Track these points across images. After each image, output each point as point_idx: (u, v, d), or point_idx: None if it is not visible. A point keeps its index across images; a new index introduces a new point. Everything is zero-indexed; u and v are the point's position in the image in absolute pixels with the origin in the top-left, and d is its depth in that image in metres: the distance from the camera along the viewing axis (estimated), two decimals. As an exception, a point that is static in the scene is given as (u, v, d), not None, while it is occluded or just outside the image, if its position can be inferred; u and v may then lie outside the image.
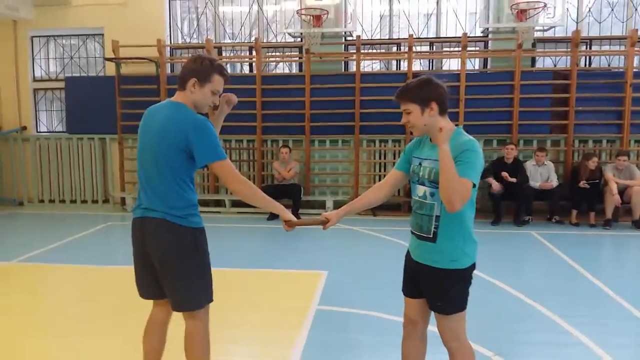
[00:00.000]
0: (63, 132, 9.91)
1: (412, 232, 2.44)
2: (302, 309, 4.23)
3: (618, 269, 5.83)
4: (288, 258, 6.03)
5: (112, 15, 9.39)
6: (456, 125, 2.37)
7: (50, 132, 10.11)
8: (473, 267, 2.36)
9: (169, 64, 9.61)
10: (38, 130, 10.06)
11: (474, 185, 2.19)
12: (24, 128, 9.82)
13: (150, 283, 2.60)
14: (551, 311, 4.14)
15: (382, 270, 5.30)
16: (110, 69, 9.43)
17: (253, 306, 4.41)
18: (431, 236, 2.31)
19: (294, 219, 2.63)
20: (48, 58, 10.05)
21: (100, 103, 9.37)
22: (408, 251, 2.53)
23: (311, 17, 8.26)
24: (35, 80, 9.97)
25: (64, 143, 9.69)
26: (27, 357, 3.44)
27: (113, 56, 9.10)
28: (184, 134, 2.38)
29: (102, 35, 9.61)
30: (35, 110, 10.03)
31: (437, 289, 2.34)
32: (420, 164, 2.39)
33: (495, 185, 7.69)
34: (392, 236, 6.89)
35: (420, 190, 2.37)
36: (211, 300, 2.59)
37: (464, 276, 2.33)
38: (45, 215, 8.98)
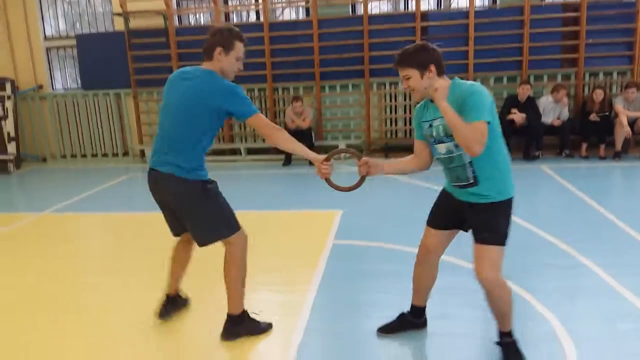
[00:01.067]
0: (78, 88, 10.12)
1: (453, 185, 2.59)
2: (319, 244, 4.52)
3: (625, 199, 6.00)
4: (303, 200, 6.32)
5: (118, -31, 9.37)
6: (451, 78, 2.50)
7: (65, 89, 10.33)
8: (512, 199, 2.49)
9: (177, 16, 9.63)
10: (54, 88, 10.28)
11: (489, 122, 2.29)
12: (40, 87, 10.04)
13: (174, 222, 2.96)
14: (559, 239, 4.36)
15: (395, 208, 5.56)
16: (119, 24, 9.50)
17: (273, 242, 4.71)
18: (472, 181, 2.45)
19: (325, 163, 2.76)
20: (57, 16, 10.12)
21: (112, 58, 9.51)
22: (445, 190, 2.72)
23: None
24: (46, 39, 10.10)
25: (80, 99, 9.91)
26: (75, 294, 3.81)
27: (121, 11, 9.15)
28: (219, 97, 2.67)
29: (109, -10, 9.63)
30: (50, 69, 10.22)
31: (484, 221, 2.46)
32: (430, 125, 2.53)
33: (519, 118, 7.73)
34: (405, 177, 7.10)
35: (442, 147, 2.50)
36: (237, 229, 2.87)
37: (507, 207, 2.47)
38: (68, 169, 9.34)
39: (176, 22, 9.57)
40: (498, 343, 2.65)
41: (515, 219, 4.80)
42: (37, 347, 3.04)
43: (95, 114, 9.92)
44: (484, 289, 2.49)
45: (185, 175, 2.73)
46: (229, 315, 2.93)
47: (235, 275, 2.88)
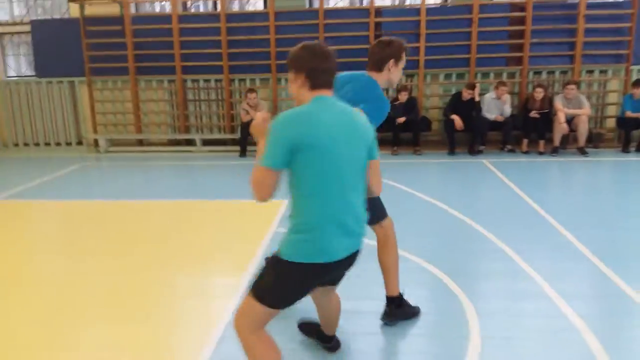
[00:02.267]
0: (32, 76, 9.98)
1: None
2: (262, 230, 4.71)
3: (553, 192, 6.35)
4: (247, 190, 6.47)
5: (72, -45, 9.27)
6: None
7: (19, 76, 10.17)
8: (297, 266, 1.96)
9: (134, 4, 9.60)
10: (7, 76, 10.12)
11: (279, 169, 1.90)
12: (-7, 73, 9.88)
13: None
14: (485, 228, 4.66)
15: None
16: (75, 11, 9.41)
17: (220, 228, 4.90)
18: None
19: None
20: (11, 1, 9.95)
21: (67, 46, 9.43)
22: None
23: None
24: (0, 24, 9.92)
25: (34, 87, 9.79)
26: (26, 276, 3.90)
27: (76, -3, 9.08)
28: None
29: (64, -25, 9.53)
30: (2, 55, 10.05)
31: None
32: None
33: (458, 123, 8.07)
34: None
35: None
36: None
37: (277, 265, 2.01)
38: (22, 158, 9.24)
39: (133, 10, 9.54)
40: None
41: (448, 209, 5.15)
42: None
43: (49, 102, 9.83)
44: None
45: None
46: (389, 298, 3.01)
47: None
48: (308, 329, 2.85)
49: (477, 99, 8.17)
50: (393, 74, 2.82)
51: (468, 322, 3.02)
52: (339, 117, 1.98)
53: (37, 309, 3.35)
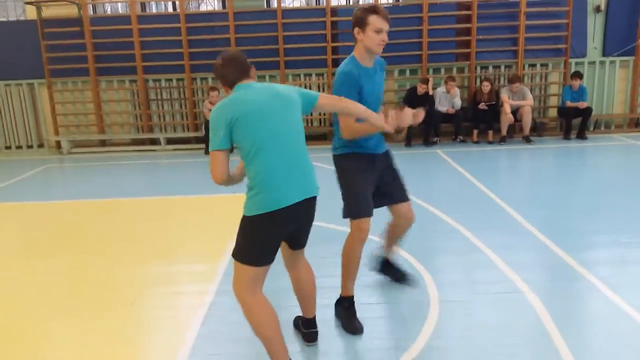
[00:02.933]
0: (-12, 78, 9.85)
1: None
2: (233, 222, 4.98)
3: (500, 176, 6.93)
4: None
5: (26, -44, 9.21)
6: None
7: (-26, 79, 10.00)
8: (256, 218, 2.30)
9: (91, 5, 9.61)
10: (-38, 78, 9.93)
11: (224, 148, 2.27)
12: (-53, 76, 9.67)
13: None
14: (441, 211, 5.11)
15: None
16: (32, 13, 9.34)
17: (189, 222, 5.14)
18: None
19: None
20: (-39, 2, 9.77)
21: (25, 48, 9.36)
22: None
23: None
24: (-49, 26, 9.73)
25: (-9, 90, 9.67)
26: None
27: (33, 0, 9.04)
28: None
29: (18, -24, 9.44)
30: (-43, 58, 9.85)
31: None
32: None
33: (418, 114, 8.52)
34: (315, 161, 7.69)
35: None
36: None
37: (243, 225, 2.40)
38: (-21, 162, 9.13)
39: (90, 11, 9.56)
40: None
41: (416, 200, 5.54)
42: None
43: (8, 104, 9.72)
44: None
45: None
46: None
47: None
48: (296, 321, 3.00)
49: (430, 92, 8.66)
50: (365, 40, 2.83)
51: (428, 292, 3.42)
52: (261, 92, 2.36)
53: None
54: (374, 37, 2.82)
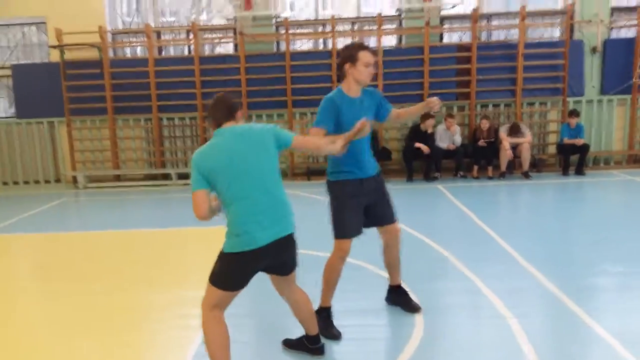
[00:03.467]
0: (12, 117, 10.41)
1: None
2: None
3: (496, 211, 7.14)
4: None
5: (53, 3, 9.85)
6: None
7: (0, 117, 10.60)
8: (231, 255, 2.63)
9: (112, 49, 10.22)
10: (-13, 117, 10.53)
11: (201, 189, 2.61)
12: (-27, 115, 10.27)
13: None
14: (440, 246, 5.34)
15: (312, 221, 6.37)
16: (55, 56, 9.96)
17: (199, 250, 5.44)
18: None
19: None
20: (-8, 46, 10.46)
21: (47, 88, 9.94)
22: None
23: (242, 1, 9.13)
24: (-19, 68, 10.39)
25: (14, 127, 10.22)
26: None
27: (57, 43, 9.65)
28: None
29: (45, 23, 10.10)
30: (-17, 97, 10.49)
31: None
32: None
33: (425, 149, 8.83)
34: (319, 195, 7.99)
35: None
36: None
37: (221, 257, 2.71)
38: (1, 196, 9.57)
39: (111, 54, 10.15)
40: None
41: (412, 231, 5.77)
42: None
43: (29, 141, 10.25)
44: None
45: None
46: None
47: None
48: (292, 342, 3.19)
49: (430, 130, 8.99)
50: (355, 73, 3.18)
51: (414, 315, 3.64)
52: (232, 138, 2.63)
53: (16, 334, 3.81)
54: (363, 70, 3.18)
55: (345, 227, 3.28)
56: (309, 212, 7.11)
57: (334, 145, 2.90)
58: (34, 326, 3.75)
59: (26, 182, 10.33)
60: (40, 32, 10.41)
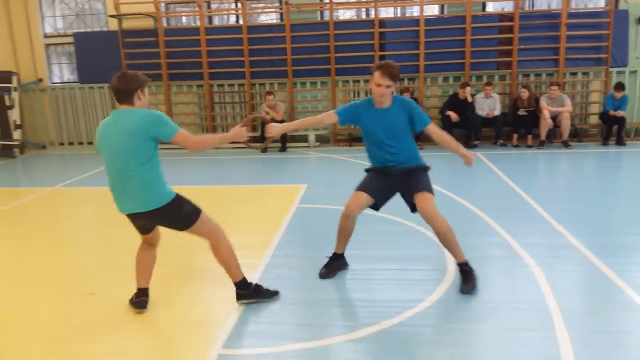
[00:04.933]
0: (75, 82, 11.19)
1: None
2: (287, 205, 5.82)
3: (534, 178, 7.40)
4: (275, 177, 7.61)
5: (111, -26, 10.46)
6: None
7: (63, 82, 11.40)
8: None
9: (165, 18, 10.78)
10: (52, 82, 11.34)
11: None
12: (40, 80, 11.09)
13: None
14: (479, 209, 5.71)
15: (351, 182, 6.84)
16: (113, 24, 10.59)
17: (250, 205, 6.00)
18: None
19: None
20: (55, 16, 11.18)
21: (106, 55, 10.61)
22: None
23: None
24: (46, 36, 11.15)
25: (77, 92, 11.00)
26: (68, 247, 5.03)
27: (115, 12, 10.26)
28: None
29: (103, -7, 10.74)
30: (48, 64, 11.27)
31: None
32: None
33: (454, 116, 9.14)
34: (362, 160, 8.43)
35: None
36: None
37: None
38: (67, 155, 10.44)
39: (165, 24, 10.71)
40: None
41: (450, 194, 6.17)
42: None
43: (91, 105, 11.03)
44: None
45: None
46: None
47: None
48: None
49: (469, 99, 9.22)
50: (371, 88, 3.58)
51: (447, 264, 4.08)
52: (112, 122, 3.09)
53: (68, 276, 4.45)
54: (374, 89, 3.52)
55: (360, 185, 3.81)
56: (350, 174, 7.59)
57: (225, 139, 3.38)
58: (103, 265, 4.39)
59: (90, 143, 11.15)
60: (98, 2, 11.03)
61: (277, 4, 10.55)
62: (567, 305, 3.29)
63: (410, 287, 3.69)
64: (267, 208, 5.92)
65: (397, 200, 3.85)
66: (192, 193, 5.47)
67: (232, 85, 10.62)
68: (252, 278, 3.87)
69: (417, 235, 4.73)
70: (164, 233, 3.52)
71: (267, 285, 3.59)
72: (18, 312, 3.51)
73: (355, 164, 8.22)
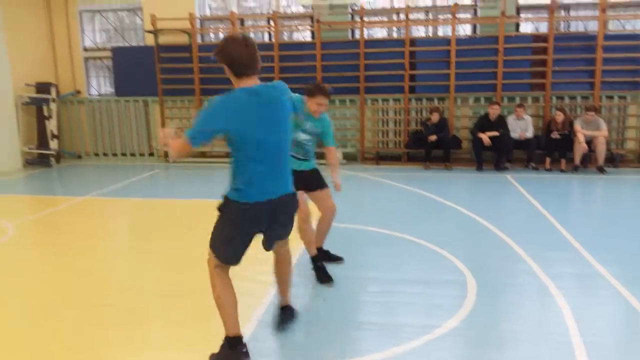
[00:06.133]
0: (111, 95, 11.53)
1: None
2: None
3: (564, 203, 7.17)
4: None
5: (150, -8, 10.79)
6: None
7: (100, 95, 11.76)
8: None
9: (199, 34, 11.02)
10: (89, 94, 11.71)
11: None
12: (78, 92, 11.47)
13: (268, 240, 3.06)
14: (509, 237, 5.61)
15: (377, 202, 6.78)
16: (150, 40, 10.89)
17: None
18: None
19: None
20: (95, 30, 11.59)
21: (142, 69, 10.90)
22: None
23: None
24: (85, 50, 11.55)
25: (113, 104, 11.32)
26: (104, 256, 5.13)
27: (152, 28, 10.56)
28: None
29: (141, 9, 11.06)
30: (87, 76, 11.66)
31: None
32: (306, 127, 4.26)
33: (486, 141, 9.00)
34: (389, 179, 8.38)
35: (303, 137, 4.34)
36: None
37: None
38: (101, 165, 10.71)
39: (199, 40, 10.95)
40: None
41: (474, 216, 6.05)
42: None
43: (125, 117, 11.32)
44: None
45: None
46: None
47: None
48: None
49: (492, 118, 9.07)
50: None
51: (468, 290, 3.98)
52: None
53: (111, 284, 4.51)
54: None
55: None
56: (376, 194, 7.54)
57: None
58: (134, 269, 4.45)
59: (123, 154, 11.41)
60: (136, 17, 11.39)
61: (309, 22, 10.67)
62: (591, 338, 3.16)
63: (426, 312, 3.61)
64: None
65: (419, 221, 3.79)
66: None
67: (262, 101, 10.71)
68: (269, 295, 3.86)
69: (438, 258, 4.65)
70: (183, 236, 3.55)
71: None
72: (37, 317, 3.59)
73: (381, 183, 8.17)
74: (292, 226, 3.09)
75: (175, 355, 3.12)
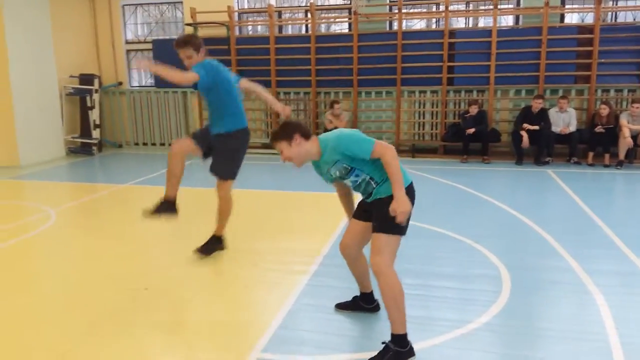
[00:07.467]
0: (152, 86, 11.78)
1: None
2: (340, 216, 5.80)
3: (611, 202, 6.93)
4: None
5: (189, -15, 10.94)
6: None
7: (141, 86, 12.04)
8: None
9: (237, 27, 11.13)
10: (131, 85, 12.01)
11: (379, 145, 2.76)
12: (120, 83, 11.77)
13: None
14: (549, 233, 5.47)
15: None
16: (189, 32, 11.05)
17: (306, 212, 6.04)
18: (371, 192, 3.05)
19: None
20: (137, 24, 11.86)
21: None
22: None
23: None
24: (127, 42, 11.84)
25: (153, 96, 11.58)
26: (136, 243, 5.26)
27: (191, 21, 10.72)
28: None
29: (182, 3, 11.23)
30: (128, 68, 11.95)
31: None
32: (329, 172, 3.11)
33: (525, 141, 8.76)
34: (424, 172, 8.27)
35: (347, 183, 3.14)
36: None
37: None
38: (140, 154, 10.99)
39: (237, 32, 11.06)
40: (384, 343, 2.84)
41: (513, 211, 5.91)
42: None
43: (165, 108, 11.56)
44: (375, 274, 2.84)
45: None
46: None
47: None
48: (345, 304, 3.49)
49: (535, 111, 8.80)
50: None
51: (503, 285, 3.90)
52: None
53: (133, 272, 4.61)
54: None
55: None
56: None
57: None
58: (152, 268, 4.56)
59: (162, 144, 11.67)
60: (176, 11, 11.58)
61: (346, 14, 10.61)
62: (630, 339, 3.05)
63: (460, 307, 3.55)
64: (323, 215, 5.93)
65: (455, 215, 3.73)
66: (254, 196, 5.52)
67: (298, 93, 10.76)
68: (299, 284, 3.90)
69: (473, 253, 4.57)
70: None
71: (311, 292, 3.60)
72: (74, 297, 3.73)
73: (416, 176, 8.06)
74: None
75: (209, 337, 3.17)
